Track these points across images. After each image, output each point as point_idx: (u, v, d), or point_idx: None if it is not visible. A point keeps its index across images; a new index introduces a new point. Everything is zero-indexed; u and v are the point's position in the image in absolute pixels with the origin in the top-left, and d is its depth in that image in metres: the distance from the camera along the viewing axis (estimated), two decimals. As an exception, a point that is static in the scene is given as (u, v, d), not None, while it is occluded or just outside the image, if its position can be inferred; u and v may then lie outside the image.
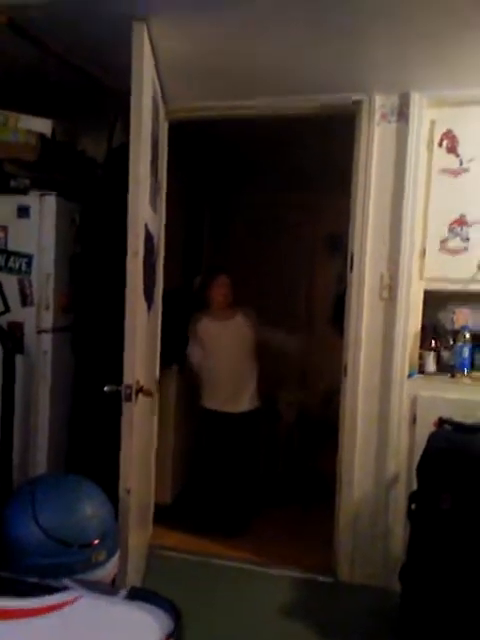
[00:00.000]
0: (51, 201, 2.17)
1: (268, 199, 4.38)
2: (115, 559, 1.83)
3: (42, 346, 2.16)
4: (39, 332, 2.16)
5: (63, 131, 2.40)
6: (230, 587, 2.66)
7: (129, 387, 1.88)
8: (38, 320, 2.16)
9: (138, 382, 1.93)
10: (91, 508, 1.87)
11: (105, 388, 1.93)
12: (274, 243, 4.43)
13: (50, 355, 2.16)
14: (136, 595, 1.01)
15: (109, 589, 1.04)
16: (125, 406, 1.90)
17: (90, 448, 2.43)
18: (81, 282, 2.44)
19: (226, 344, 3.16)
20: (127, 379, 1.88)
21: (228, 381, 3.14)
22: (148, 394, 2.04)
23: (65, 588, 1.03)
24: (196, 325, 3.21)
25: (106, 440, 2.37)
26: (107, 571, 1.75)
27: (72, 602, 0.99)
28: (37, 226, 2.17)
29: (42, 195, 2.18)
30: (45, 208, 2.17)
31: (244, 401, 3.15)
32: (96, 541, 1.77)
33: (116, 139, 2.74)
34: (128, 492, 1.94)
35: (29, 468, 2.12)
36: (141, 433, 2.11)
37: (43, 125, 2.32)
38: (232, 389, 3.14)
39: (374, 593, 2.61)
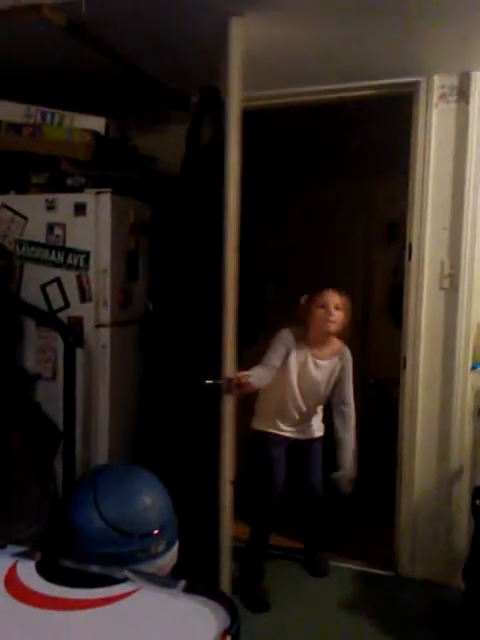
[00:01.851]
0: (106, 198, 2.21)
1: (322, 190, 4.30)
2: (174, 550, 1.86)
3: (101, 340, 2.21)
4: (98, 326, 2.21)
5: (116, 128, 2.43)
6: (292, 578, 2.66)
7: (230, 380, 1.97)
8: (97, 315, 2.21)
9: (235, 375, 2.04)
10: (151, 498, 1.91)
11: (206, 382, 2.00)
12: (329, 234, 4.35)
13: (109, 349, 2.21)
14: (193, 589, 1.01)
15: (167, 581, 1.04)
16: (226, 399, 1.97)
17: (162, 442, 2.44)
18: (156, 279, 2.48)
19: (308, 386, 2.49)
20: (228, 373, 1.97)
21: (294, 418, 2.54)
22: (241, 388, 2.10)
23: (125, 579, 1.05)
24: (284, 343, 2.43)
25: (178, 434, 2.38)
26: (166, 562, 1.78)
27: (132, 593, 1.01)
28: (94, 223, 2.21)
29: (97, 193, 2.22)
30: (101, 205, 2.21)
31: (309, 431, 2.61)
32: (156, 531, 1.81)
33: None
34: (232, 484, 2.01)
35: (91, 460, 2.18)
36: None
37: (97, 123, 2.35)
38: (297, 422, 2.56)
39: (435, 589, 2.55)
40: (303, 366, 2.46)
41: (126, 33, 2.07)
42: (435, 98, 2.51)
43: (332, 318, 2.37)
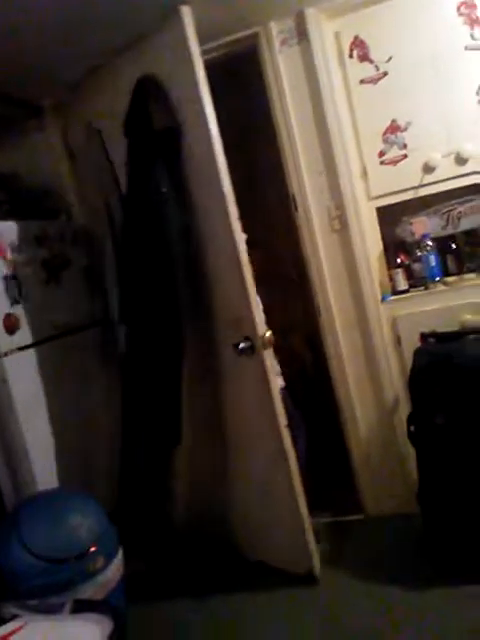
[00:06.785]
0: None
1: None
2: (117, 561, 1.83)
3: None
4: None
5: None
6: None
7: (263, 337, 2.19)
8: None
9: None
10: (79, 516, 1.85)
11: (240, 344, 2.18)
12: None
13: (9, 382, 2.11)
14: (80, 607, 0.99)
15: (53, 607, 1.01)
16: (265, 354, 2.18)
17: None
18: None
19: None
20: (259, 331, 2.17)
21: None
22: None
23: (13, 617, 1.02)
24: None
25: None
26: (108, 577, 1.74)
27: (18, 631, 0.97)
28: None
29: None
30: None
31: None
32: (92, 548, 1.77)
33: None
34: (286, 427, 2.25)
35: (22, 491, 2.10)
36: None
37: None
38: None
39: (403, 520, 2.59)
40: None
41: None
42: (277, 45, 2.48)
43: None
